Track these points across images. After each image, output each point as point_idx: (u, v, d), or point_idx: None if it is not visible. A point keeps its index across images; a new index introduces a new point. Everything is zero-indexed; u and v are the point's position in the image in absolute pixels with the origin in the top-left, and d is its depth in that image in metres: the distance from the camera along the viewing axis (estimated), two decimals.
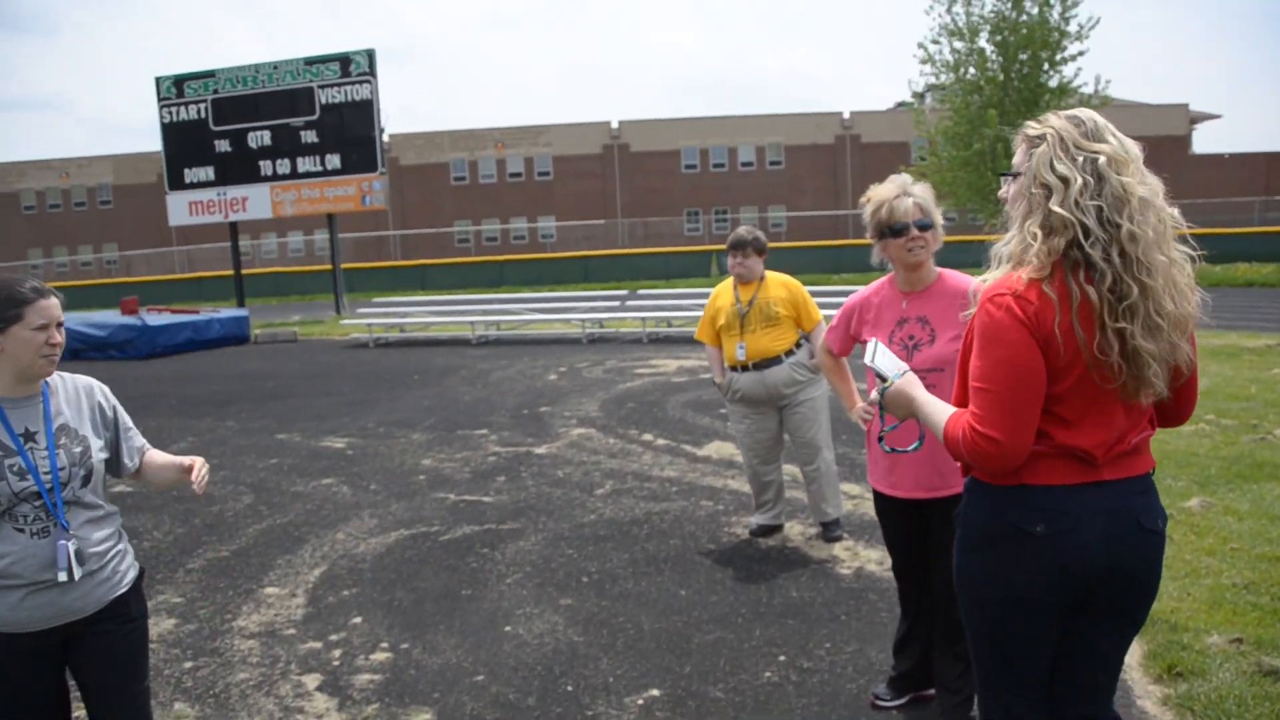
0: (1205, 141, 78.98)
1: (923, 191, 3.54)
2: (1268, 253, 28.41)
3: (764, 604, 4.88)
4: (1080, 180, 2.19)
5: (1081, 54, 35.25)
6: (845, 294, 17.88)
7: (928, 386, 3.38)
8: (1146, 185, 2.24)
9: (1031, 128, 2.37)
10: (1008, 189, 2.45)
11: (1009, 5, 34.49)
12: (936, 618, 3.67)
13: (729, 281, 5.88)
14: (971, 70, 35.17)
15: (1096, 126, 2.29)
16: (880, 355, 2.61)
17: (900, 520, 3.70)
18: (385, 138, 52.67)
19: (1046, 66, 34.80)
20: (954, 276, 3.55)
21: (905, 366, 2.57)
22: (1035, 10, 34.27)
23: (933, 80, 36.24)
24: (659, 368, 13.08)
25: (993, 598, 2.37)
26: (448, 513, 6.66)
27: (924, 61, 35.87)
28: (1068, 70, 35.19)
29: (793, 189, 53.15)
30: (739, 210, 52.52)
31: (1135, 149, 2.30)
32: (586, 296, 20.41)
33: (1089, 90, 35.18)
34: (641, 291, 20.18)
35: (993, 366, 2.21)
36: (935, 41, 35.56)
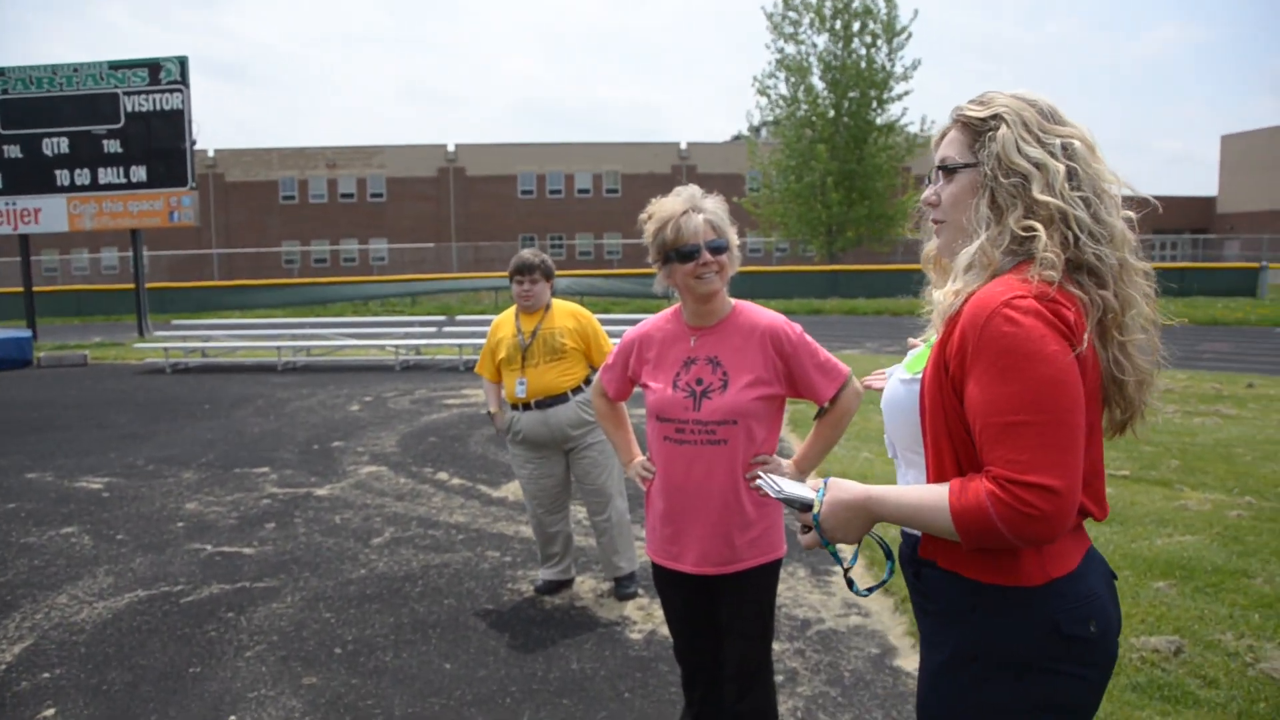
0: None
1: (715, 206, 2.93)
2: None
3: (539, 679, 4.28)
4: (1061, 167, 1.76)
5: (907, 93, 36.49)
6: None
7: (716, 442, 2.87)
8: (1117, 177, 1.82)
9: (970, 109, 1.87)
10: (935, 190, 1.94)
11: (840, 45, 35.38)
12: (725, 710, 3.11)
13: (511, 310, 5.31)
14: (804, 106, 35.89)
15: (1051, 106, 1.84)
16: (782, 485, 1.95)
17: (684, 598, 3.12)
18: (210, 153, 50.85)
19: (875, 105, 35.85)
20: (751, 310, 3.01)
21: (819, 481, 1.92)
22: (863, 51, 35.29)
23: (768, 115, 36.86)
24: (470, 398, 12.38)
25: None
26: (198, 568, 5.82)
27: (760, 93, 36.49)
28: (894, 109, 36.42)
29: (629, 217, 52.55)
30: (574, 236, 52.31)
31: (1092, 134, 1.85)
32: (403, 321, 19.49)
33: (915, 129, 36.40)
34: (460, 317, 19.40)
35: (1032, 390, 1.65)
36: (772, 76, 36.26)
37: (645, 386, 3.05)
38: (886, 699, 4.08)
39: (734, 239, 2.93)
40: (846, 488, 1.84)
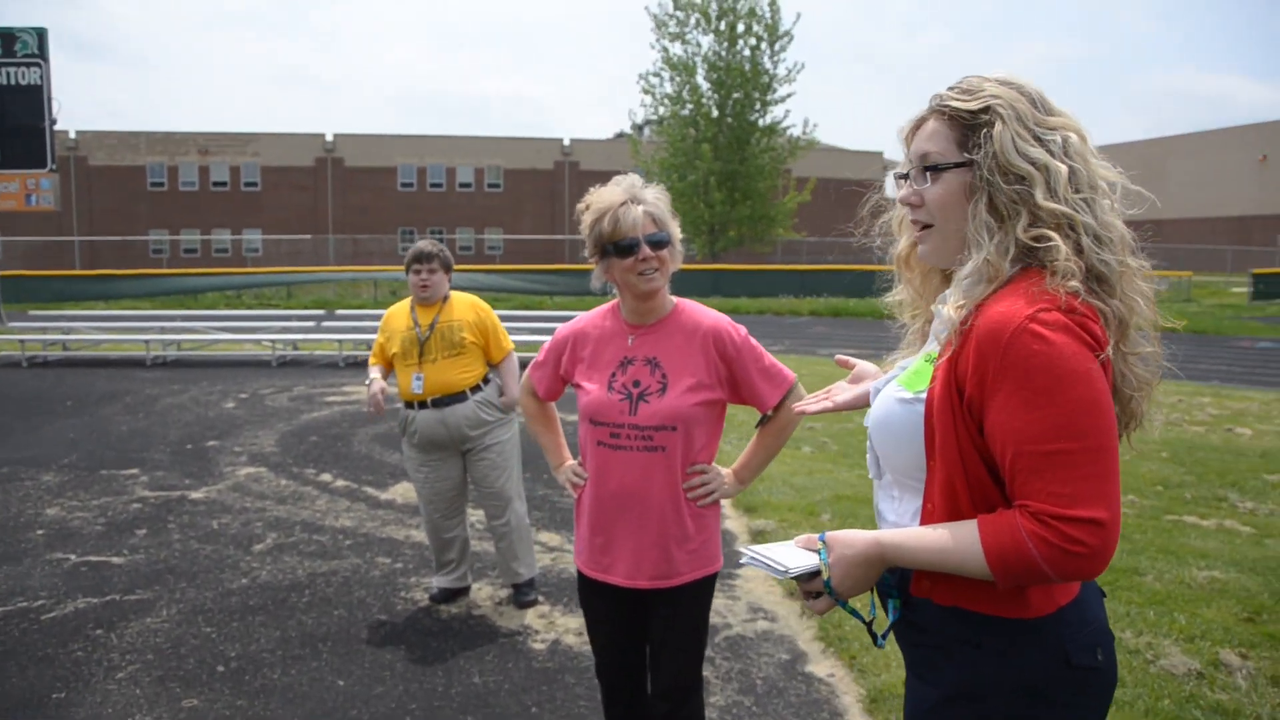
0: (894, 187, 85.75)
1: (655, 197, 2.73)
2: None
3: (439, 695, 4.06)
4: (1063, 167, 1.63)
5: (790, 95, 36.99)
6: (560, 320, 17.42)
7: (653, 449, 2.68)
8: (1111, 171, 1.70)
9: (955, 99, 1.70)
10: (914, 189, 1.76)
11: (724, 46, 35.64)
12: None
13: (405, 302, 5.05)
14: (689, 106, 36.05)
15: (1039, 92, 1.70)
16: (775, 557, 1.76)
17: (612, 612, 2.90)
18: (72, 135, 48.39)
19: (758, 106, 36.23)
20: (694, 310, 2.82)
21: (815, 540, 1.75)
22: (747, 52, 35.63)
23: (653, 113, 36.92)
24: (352, 395, 11.96)
25: None
26: (62, 580, 5.40)
27: (645, 92, 36.51)
28: (777, 111, 36.88)
29: (511, 212, 52.75)
30: (455, 230, 51.55)
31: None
32: (280, 315, 18.79)
33: (797, 132, 36.95)
34: (340, 311, 18.81)
35: (1070, 415, 1.50)
36: (657, 75, 36.29)
37: (578, 387, 2.85)
38: (801, 707, 3.99)
39: (676, 232, 2.74)
40: (852, 542, 1.68)
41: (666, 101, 36.58)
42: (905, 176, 1.80)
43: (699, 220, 36.32)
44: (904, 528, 1.73)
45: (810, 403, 2.17)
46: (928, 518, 1.69)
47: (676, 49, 36.13)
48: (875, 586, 1.79)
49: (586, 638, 4.55)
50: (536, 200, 53.30)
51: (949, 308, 1.66)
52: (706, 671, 4.29)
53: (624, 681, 2.99)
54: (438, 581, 5.14)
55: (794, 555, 1.74)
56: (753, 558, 1.78)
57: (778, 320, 25.01)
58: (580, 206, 2.78)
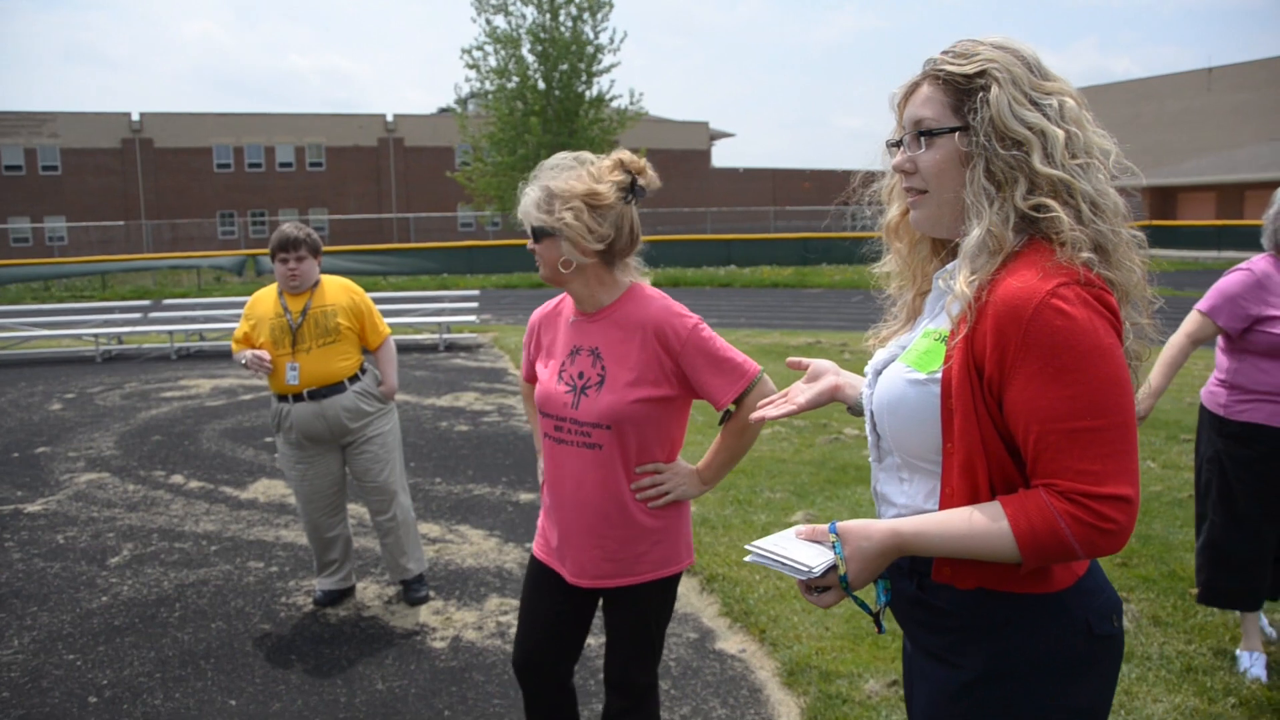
0: (722, 156, 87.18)
1: (563, 178, 2.48)
2: (784, 256, 31.02)
3: (344, 706, 3.82)
4: (1060, 132, 1.57)
5: (616, 65, 36.99)
6: (395, 300, 16.92)
7: (591, 446, 2.53)
8: (1106, 139, 1.63)
9: (950, 62, 1.64)
10: (908, 155, 1.69)
11: (548, 17, 35.30)
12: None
13: (270, 288, 4.73)
14: (515, 79, 35.58)
15: (1035, 56, 1.63)
16: (788, 553, 1.63)
17: (552, 602, 2.72)
18: None
19: (585, 78, 36.08)
20: (641, 298, 2.57)
21: (826, 530, 1.65)
22: (571, 24, 35.42)
23: (478, 87, 36.28)
24: (191, 389, 11.31)
25: None
26: None
27: (470, 67, 35.81)
28: (604, 82, 36.82)
29: (335, 191, 51.16)
30: (278, 212, 49.69)
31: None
32: (101, 308, 17.57)
33: (624, 103, 36.97)
34: (168, 301, 17.75)
35: (1096, 391, 1.47)
36: (480, 48, 35.63)
37: (537, 374, 2.72)
38: (719, 685, 3.93)
39: (569, 218, 2.44)
40: (868, 534, 1.60)
41: (492, 75, 36.02)
42: (898, 144, 1.74)
43: None
44: (917, 513, 1.67)
45: (770, 408, 2.03)
46: (947, 501, 1.62)
47: (500, 21, 35.62)
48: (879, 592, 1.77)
49: (487, 632, 4.41)
50: (361, 179, 51.82)
51: (959, 282, 1.60)
52: None
53: (546, 684, 2.79)
54: (321, 584, 4.86)
55: (806, 550, 1.63)
56: (760, 556, 1.66)
57: None
58: None
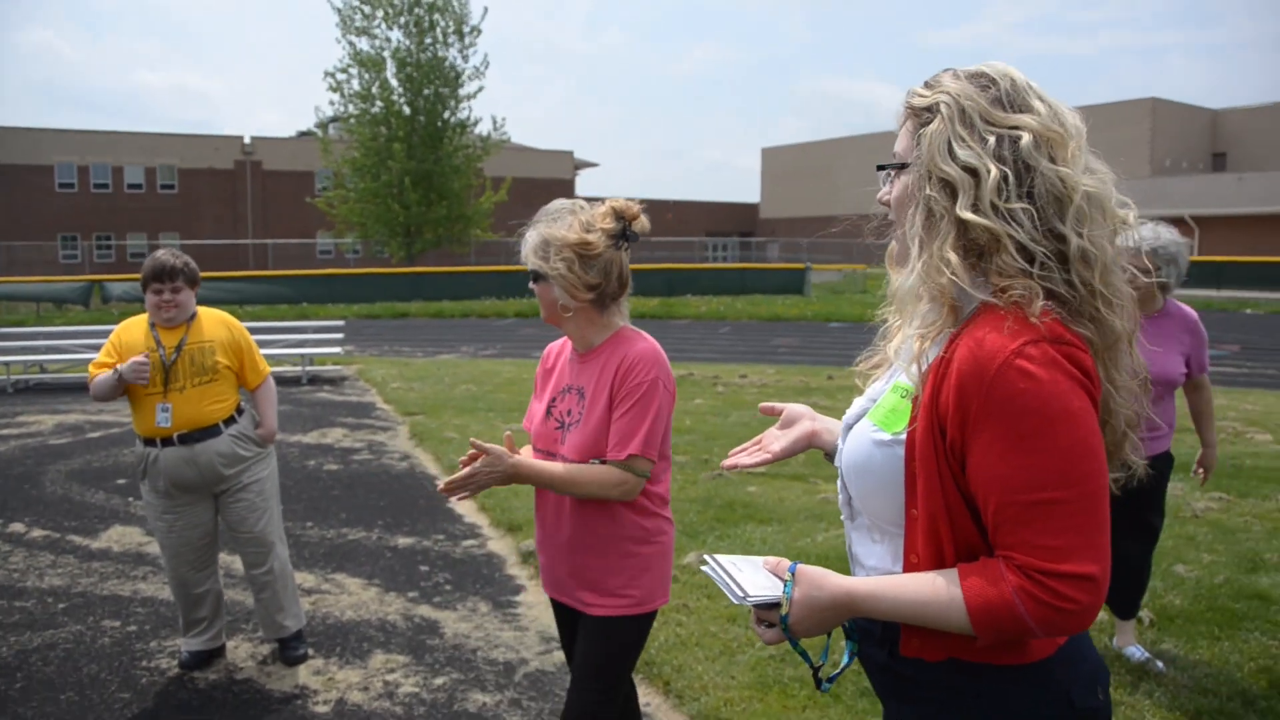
0: (587, 186, 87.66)
1: (556, 226, 2.61)
2: (650, 287, 30.73)
3: None
4: (995, 172, 1.42)
5: (480, 90, 36.77)
6: (254, 330, 16.12)
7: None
8: (1094, 175, 1.46)
9: (917, 95, 1.52)
10: (888, 188, 1.60)
11: (414, 41, 34.87)
12: None
13: (140, 319, 4.35)
14: (379, 103, 34.96)
15: (1014, 87, 1.47)
16: (736, 576, 1.60)
17: (561, 624, 2.95)
18: None
19: (450, 103, 35.75)
20: (627, 341, 2.67)
21: (786, 567, 1.57)
22: (437, 48, 35.09)
23: (342, 110, 35.50)
24: (31, 426, 10.52)
25: None
26: None
27: (333, 90, 35.04)
28: (469, 109, 36.50)
29: (188, 215, 49.26)
30: (125, 236, 47.60)
31: (1074, 119, 1.49)
32: None
33: (486, 130, 36.77)
34: (4, 330, 16.61)
35: (1060, 460, 1.36)
36: (344, 71, 34.91)
37: (533, 409, 2.87)
38: None
39: (560, 268, 2.57)
40: (821, 584, 1.52)
41: (356, 99, 35.32)
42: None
43: (394, 222, 35.37)
44: (880, 575, 1.57)
45: (743, 456, 1.96)
46: (911, 568, 1.52)
47: (364, 44, 34.97)
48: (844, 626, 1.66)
49: (374, 693, 4.12)
50: (216, 203, 50.02)
51: (916, 335, 1.52)
52: (517, 716, 3.95)
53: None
54: (187, 644, 4.47)
55: (757, 579, 1.60)
56: (712, 569, 1.64)
57: (484, 323, 24.63)
58: None
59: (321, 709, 4.03)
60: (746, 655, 4.36)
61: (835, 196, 63.36)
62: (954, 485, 1.46)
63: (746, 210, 69.60)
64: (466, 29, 35.39)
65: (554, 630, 4.80)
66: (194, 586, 4.39)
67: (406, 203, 34.62)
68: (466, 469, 2.54)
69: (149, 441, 4.22)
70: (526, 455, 2.70)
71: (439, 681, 4.27)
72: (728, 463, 1.96)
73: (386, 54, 35.00)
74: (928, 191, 1.48)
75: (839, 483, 1.70)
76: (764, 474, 7.89)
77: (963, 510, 1.46)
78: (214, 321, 4.35)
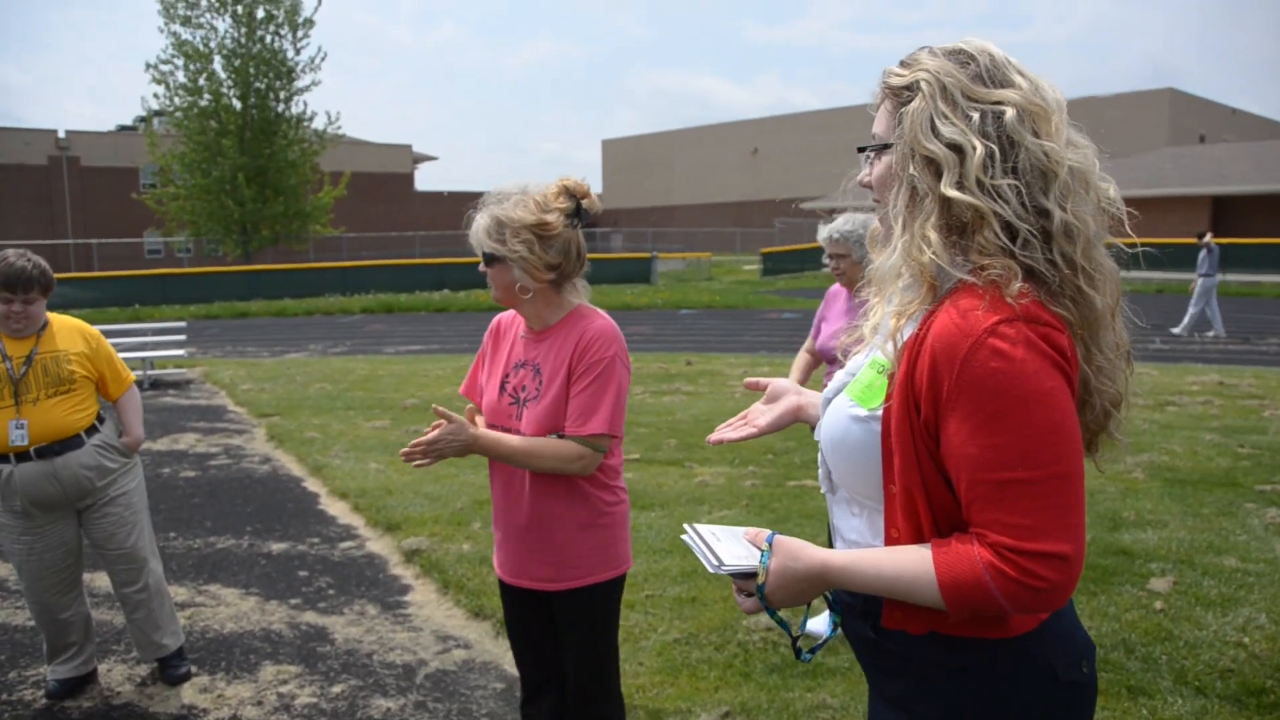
0: (426, 180, 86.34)
1: (508, 206, 2.61)
2: None
3: None
4: (981, 148, 1.42)
5: (316, 84, 35.78)
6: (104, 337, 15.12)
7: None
8: (1077, 150, 1.45)
9: (895, 74, 1.51)
10: (869, 170, 1.58)
11: (243, 31, 33.56)
12: None
13: None
14: (207, 96, 33.54)
15: (993, 63, 1.48)
16: (714, 544, 1.60)
17: (515, 607, 2.89)
18: None
19: (283, 97, 34.61)
20: (584, 319, 2.69)
21: (765, 537, 1.56)
22: (268, 39, 33.91)
23: (167, 103, 33.87)
24: None
25: None
26: None
27: (157, 81, 33.36)
28: (303, 102, 35.44)
29: None
30: None
31: (1055, 93, 1.47)
32: None
33: (321, 124, 35.76)
34: None
35: (1031, 440, 1.36)
36: (169, 62, 33.28)
37: (482, 385, 2.84)
38: None
39: (519, 248, 2.58)
40: (798, 555, 1.52)
41: (182, 92, 33.75)
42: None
43: (228, 219, 34.02)
44: (859, 548, 1.58)
45: (729, 430, 1.97)
46: (892, 542, 1.53)
47: (188, 34, 33.42)
48: (826, 599, 1.68)
49: (268, 708, 3.94)
50: (29, 201, 47.07)
51: (890, 314, 1.53)
52: (424, 718, 3.82)
53: (541, 679, 2.94)
54: (54, 672, 4.15)
55: (734, 548, 1.60)
56: (691, 537, 1.65)
57: (329, 320, 23.97)
58: None
59: None
60: (650, 641, 4.34)
61: (677, 187, 64.19)
62: (930, 461, 1.45)
63: None
64: (299, 19, 34.22)
65: (450, 628, 4.71)
66: (59, 611, 4.09)
67: (241, 199, 33.32)
68: (430, 435, 2.52)
69: (2, 459, 3.89)
70: (483, 428, 2.67)
71: (337, 689, 4.10)
72: (713, 438, 1.95)
73: (213, 44, 33.57)
74: (911, 170, 1.47)
75: (819, 456, 1.69)
76: (640, 459, 7.89)
77: (940, 485, 1.46)
78: (69, 332, 4.03)
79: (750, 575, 1.54)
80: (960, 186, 1.43)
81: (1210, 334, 16.41)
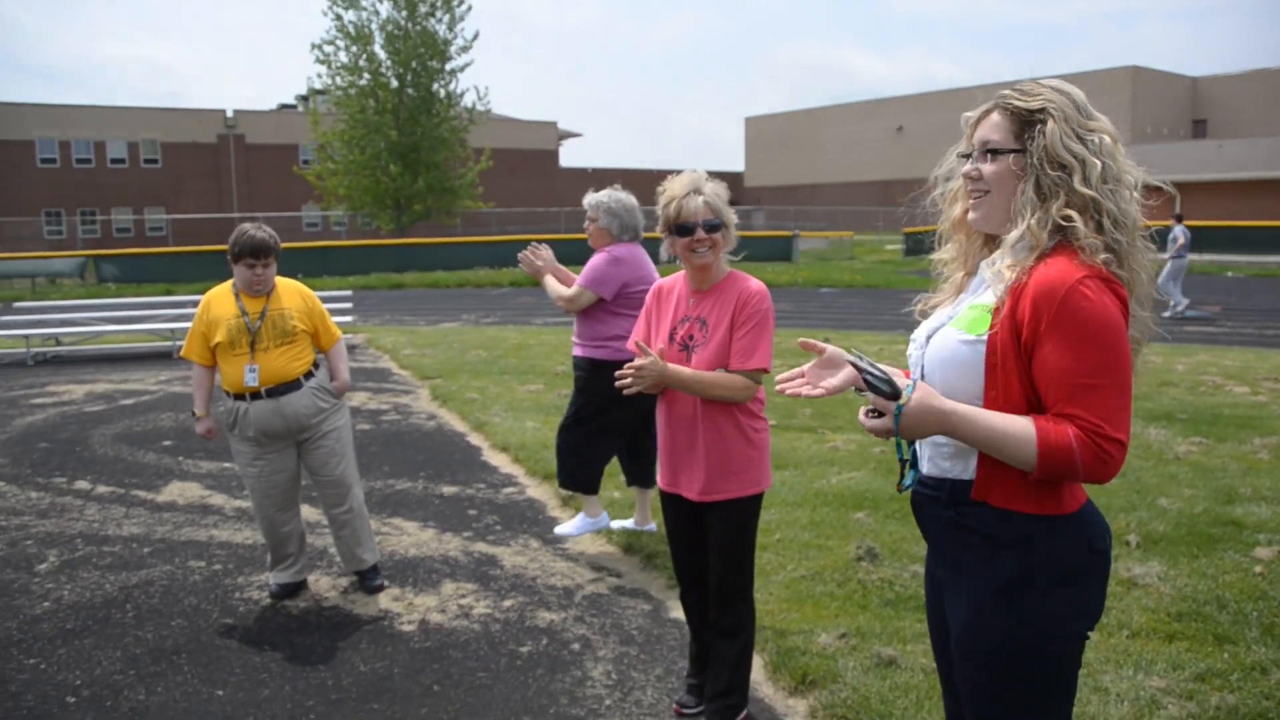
0: (570, 156, 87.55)
1: (714, 190, 3.44)
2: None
3: (334, 689, 3.96)
4: (1098, 162, 2.02)
5: (469, 65, 36.87)
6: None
7: None
8: (1134, 165, 2.09)
9: (1017, 98, 2.09)
10: (977, 166, 2.14)
11: (403, 14, 34.93)
12: (711, 622, 3.59)
13: (225, 288, 4.79)
14: (367, 76, 35.09)
15: (1083, 100, 2.09)
16: (876, 364, 2.02)
17: (678, 518, 3.60)
18: None
19: (438, 76, 35.87)
20: (740, 279, 3.45)
21: (912, 376, 2.13)
22: (426, 21, 35.15)
23: (329, 83, 35.60)
24: (63, 395, 10.91)
25: (1076, 632, 2.10)
26: None
27: (320, 62, 35.12)
28: (458, 82, 36.68)
29: (173, 190, 49.28)
30: (110, 211, 47.60)
31: (1112, 126, 2.12)
32: None
33: (470, 101, 36.90)
34: (19, 304, 16.89)
35: (1109, 357, 1.92)
36: (332, 44, 34.96)
37: (649, 337, 3.57)
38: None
39: (730, 218, 3.42)
40: (935, 394, 1.98)
41: (343, 72, 35.42)
42: (967, 156, 2.19)
43: (382, 194, 35.56)
44: (956, 449, 2.10)
45: (805, 387, 2.24)
46: None
47: (351, 16, 35.03)
48: (905, 449, 2.22)
49: (452, 614, 4.61)
50: (200, 176, 50.07)
51: (1005, 268, 2.06)
52: (582, 629, 4.45)
53: (693, 578, 3.64)
54: (275, 578, 4.94)
55: (891, 371, 2.03)
56: (859, 359, 2.02)
57: (480, 292, 25.05)
58: (658, 190, 3.48)
59: (407, 628, 4.53)
60: (781, 576, 4.87)
61: (820, 165, 63.67)
62: (1024, 373, 1.99)
63: (730, 179, 69.46)
64: (456, 2, 35.45)
65: (604, 561, 5.32)
66: (281, 525, 4.86)
67: (392, 175, 34.79)
68: (638, 362, 3.26)
69: (239, 397, 4.67)
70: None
71: (507, 603, 4.76)
72: (790, 390, 2.26)
73: (374, 26, 35.07)
74: (1048, 171, 2.02)
75: (914, 376, 2.14)
76: (776, 425, 8.37)
77: (1028, 391, 1.99)
78: (291, 291, 4.81)
79: (895, 396, 1.95)
80: (1088, 184, 2.00)
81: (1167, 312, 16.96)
